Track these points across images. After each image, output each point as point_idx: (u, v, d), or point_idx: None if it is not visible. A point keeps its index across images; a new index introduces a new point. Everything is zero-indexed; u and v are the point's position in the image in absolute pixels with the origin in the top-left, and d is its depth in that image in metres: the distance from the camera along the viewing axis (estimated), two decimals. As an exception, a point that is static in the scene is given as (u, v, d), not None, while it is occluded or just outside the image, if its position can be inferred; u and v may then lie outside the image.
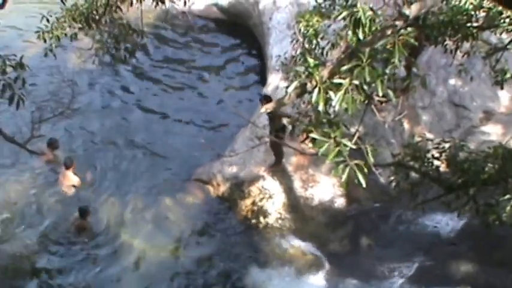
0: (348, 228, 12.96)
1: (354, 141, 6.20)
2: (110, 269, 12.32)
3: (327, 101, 6.38)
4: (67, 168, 13.66)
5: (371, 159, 6.08)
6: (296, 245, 12.75)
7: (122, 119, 16.24)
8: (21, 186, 13.84)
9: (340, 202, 13.08)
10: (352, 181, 5.87)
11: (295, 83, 6.66)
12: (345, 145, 6.00)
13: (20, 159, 14.24)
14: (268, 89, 15.60)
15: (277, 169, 13.60)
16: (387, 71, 6.58)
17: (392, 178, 9.21)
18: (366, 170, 5.79)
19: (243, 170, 13.88)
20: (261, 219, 13.22)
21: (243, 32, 19.98)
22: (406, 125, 13.83)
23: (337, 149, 6.01)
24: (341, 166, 5.87)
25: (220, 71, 18.52)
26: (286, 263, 12.43)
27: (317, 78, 6.40)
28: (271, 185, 13.50)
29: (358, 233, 12.85)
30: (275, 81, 15.64)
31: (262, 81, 17.29)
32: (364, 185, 5.73)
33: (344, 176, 5.80)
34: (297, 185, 13.31)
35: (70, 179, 13.73)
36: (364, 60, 6.16)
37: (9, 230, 12.82)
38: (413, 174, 8.94)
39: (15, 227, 12.90)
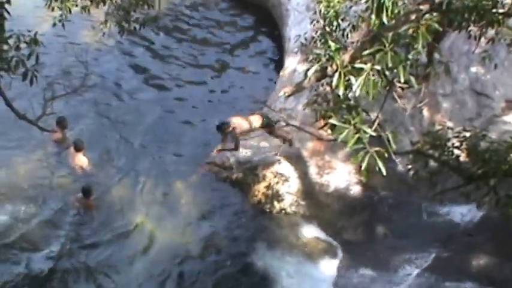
0: (364, 217, 12.92)
1: (374, 128, 6.19)
2: (119, 251, 12.33)
3: (348, 86, 6.37)
4: (77, 150, 13.70)
5: (393, 147, 6.05)
6: (310, 231, 12.72)
7: (134, 98, 16.26)
8: (30, 165, 13.88)
9: (356, 190, 13.05)
10: (369, 168, 5.84)
11: (315, 67, 6.65)
12: (365, 132, 5.98)
13: (29, 137, 14.28)
14: (285, 72, 15.56)
15: (292, 151, 13.58)
16: (410, 56, 6.55)
17: (410, 166, 9.19)
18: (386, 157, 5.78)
19: (258, 154, 13.86)
20: (275, 204, 13.20)
21: (261, 13, 19.91)
22: (425, 113, 13.76)
23: (357, 135, 5.98)
24: (361, 153, 5.85)
25: (236, 51, 18.49)
26: (299, 249, 12.39)
27: (338, 62, 6.39)
28: (286, 169, 13.46)
29: (374, 221, 12.79)
30: (292, 64, 15.60)
31: (279, 64, 17.25)
32: (384, 173, 5.72)
33: (364, 164, 5.78)
34: (313, 171, 13.30)
35: (79, 161, 13.77)
36: (387, 45, 6.12)
37: (17, 210, 12.89)
38: (432, 163, 8.89)
39: (22, 206, 12.95)
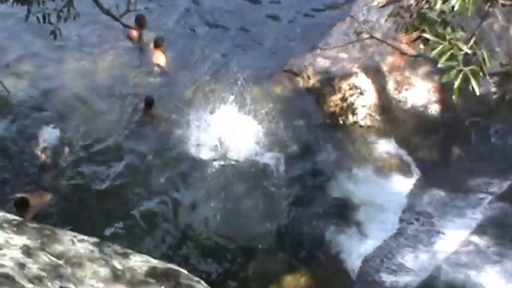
0: (440, 136, 12.71)
1: (470, 45, 5.97)
2: (184, 160, 12.59)
3: (445, 0, 6.11)
4: (156, 46, 13.73)
5: (488, 65, 5.83)
6: (384, 147, 12.65)
7: (216, 1, 16.05)
8: (106, 63, 14.06)
9: (434, 108, 12.79)
10: (448, 87, 5.68)
11: (413, -23, 6.40)
12: (460, 49, 5.77)
13: (109, 34, 14.39)
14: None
15: (371, 64, 13.32)
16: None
17: (495, 89, 8.91)
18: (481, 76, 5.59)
19: (336, 65, 13.65)
20: (349, 116, 13.11)
21: None
22: (513, 33, 13.25)
23: (451, 52, 5.78)
24: (454, 71, 5.65)
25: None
26: (371, 164, 12.40)
27: (437, -27, 6.11)
28: (363, 82, 13.26)
29: (450, 142, 12.57)
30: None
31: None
32: (478, 93, 5.54)
33: (457, 82, 5.60)
34: (391, 86, 13.05)
35: (158, 58, 13.83)
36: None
37: (88, 107, 13.15)
38: (520, 87, 8.59)
39: (93, 105, 13.24)
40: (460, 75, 5.63)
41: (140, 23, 13.98)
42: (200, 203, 11.78)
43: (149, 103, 12.91)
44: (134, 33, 14.10)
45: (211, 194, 11.89)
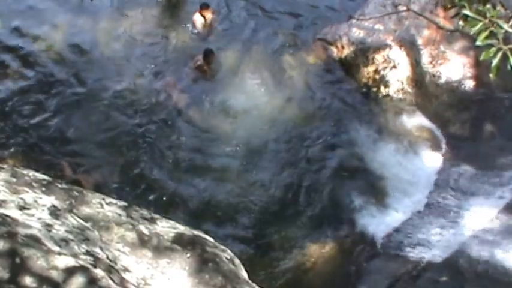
0: (472, 113, 12.47)
1: (511, 23, 5.76)
2: (221, 116, 12.54)
3: (487, -24, 5.91)
4: (201, 9, 13.63)
5: (528, 45, 5.62)
6: (415, 120, 12.49)
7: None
8: (145, 22, 13.99)
9: (468, 84, 12.52)
10: (484, 65, 5.52)
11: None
12: (501, 27, 5.58)
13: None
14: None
15: (406, 37, 13.07)
16: None
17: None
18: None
19: (371, 36, 13.41)
20: (382, 88, 12.95)
21: None
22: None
23: (491, 30, 5.59)
24: (493, 49, 5.47)
25: None
26: (402, 137, 12.26)
27: None
28: (397, 55, 13.03)
29: (482, 119, 12.34)
30: None
31: None
32: (516, 72, 5.38)
33: (495, 61, 5.42)
34: (425, 60, 12.78)
35: (198, 20, 13.74)
36: None
37: (130, 65, 13.13)
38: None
39: (135, 61, 13.18)
40: (499, 54, 5.46)
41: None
42: (229, 169, 11.74)
43: (208, 53, 12.85)
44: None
45: (239, 160, 11.85)
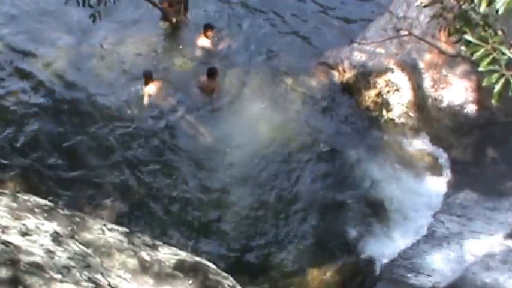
0: (475, 137, 12.47)
1: (512, 50, 5.81)
2: (225, 135, 12.65)
3: (491, 2, 5.96)
4: (204, 30, 13.76)
5: (529, 71, 5.67)
6: (417, 144, 12.55)
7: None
8: (147, 45, 14.09)
9: (470, 108, 12.54)
10: (485, 89, 5.55)
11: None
12: (503, 53, 5.63)
13: (147, 17, 14.41)
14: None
15: (408, 60, 13.13)
16: None
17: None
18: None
19: (372, 60, 13.50)
20: (384, 112, 13.02)
21: None
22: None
23: (493, 56, 5.64)
24: (495, 75, 5.52)
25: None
26: (404, 161, 12.32)
27: (484, -25, 5.95)
28: (399, 79, 13.10)
29: (485, 143, 12.35)
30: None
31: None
32: (518, 99, 5.43)
33: (498, 86, 5.46)
34: (427, 84, 12.82)
35: (202, 41, 13.89)
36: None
37: (133, 87, 13.21)
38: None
39: (138, 84, 13.22)
40: (502, 80, 5.51)
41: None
42: (229, 194, 11.78)
43: (212, 72, 12.94)
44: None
45: (238, 185, 11.89)
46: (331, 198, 11.84)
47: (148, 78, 12.90)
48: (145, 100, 12.89)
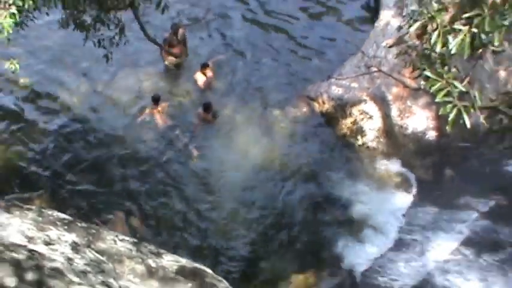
0: (435, 159, 12.58)
1: (464, 83, 5.95)
2: (220, 159, 12.74)
3: (445, 44, 6.10)
4: (202, 68, 13.84)
5: (478, 103, 5.81)
6: (387, 166, 12.63)
7: (262, 28, 15.87)
8: (150, 81, 14.18)
9: (431, 134, 12.68)
10: (443, 117, 5.68)
11: (417, 24, 6.39)
12: (456, 87, 5.78)
13: (151, 56, 14.52)
14: (380, 24, 15.00)
15: (378, 93, 13.27)
16: (506, 23, 6.17)
17: (483, 121, 8.82)
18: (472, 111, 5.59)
19: (348, 93, 13.60)
20: (359, 138, 13.09)
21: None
22: (502, 74, 13.10)
23: (448, 89, 5.79)
24: (449, 106, 5.67)
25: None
26: (376, 180, 12.38)
27: (439, 22, 6.11)
28: (371, 109, 13.20)
29: (444, 164, 12.47)
30: (387, 18, 15.01)
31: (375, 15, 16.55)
32: (468, 126, 5.55)
33: (451, 115, 5.61)
34: (394, 113, 12.95)
35: (200, 78, 13.93)
36: (486, 11, 5.79)
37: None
38: (505, 121, 8.54)
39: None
40: (455, 110, 5.65)
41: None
42: (223, 208, 11.96)
43: (207, 107, 13.00)
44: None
45: (231, 201, 12.05)
46: (313, 214, 11.93)
47: (156, 102, 13.11)
48: (159, 123, 13.11)
